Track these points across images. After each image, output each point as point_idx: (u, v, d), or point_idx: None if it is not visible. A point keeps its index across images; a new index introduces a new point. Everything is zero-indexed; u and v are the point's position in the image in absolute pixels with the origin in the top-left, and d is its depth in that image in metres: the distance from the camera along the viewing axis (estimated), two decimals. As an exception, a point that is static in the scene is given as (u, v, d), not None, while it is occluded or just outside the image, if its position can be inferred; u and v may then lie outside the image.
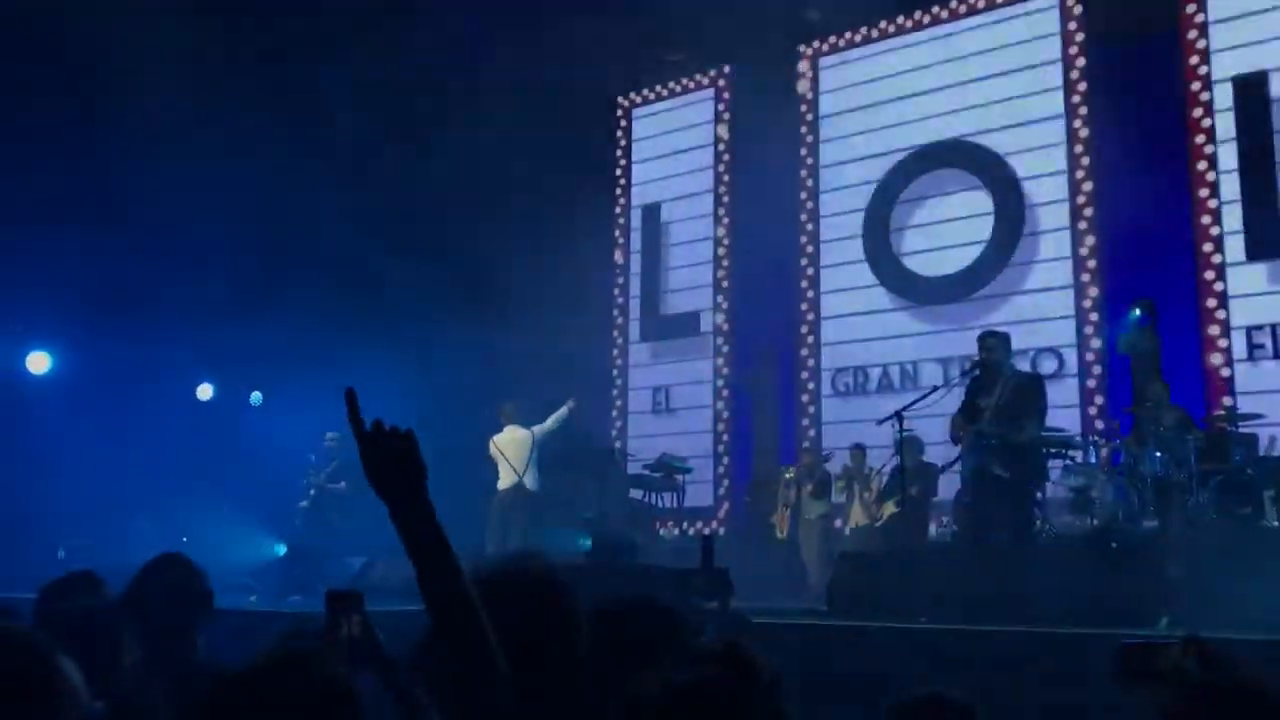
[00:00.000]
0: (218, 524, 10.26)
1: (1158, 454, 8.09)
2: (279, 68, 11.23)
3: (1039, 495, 7.99)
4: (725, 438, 12.82)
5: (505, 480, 10.26)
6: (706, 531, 11.05)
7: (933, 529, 9.86)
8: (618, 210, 14.25)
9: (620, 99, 14.42)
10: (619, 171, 14.39)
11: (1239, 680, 1.84)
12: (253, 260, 11.26)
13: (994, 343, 7.59)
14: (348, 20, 11.09)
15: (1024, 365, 10.69)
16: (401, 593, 7.22)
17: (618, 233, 14.19)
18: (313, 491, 10.31)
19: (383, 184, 11.76)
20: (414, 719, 2.31)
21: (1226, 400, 9.62)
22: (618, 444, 13.15)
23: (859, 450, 10.55)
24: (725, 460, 12.76)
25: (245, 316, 10.85)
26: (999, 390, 7.42)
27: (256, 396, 12.65)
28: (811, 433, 12.16)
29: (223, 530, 10.06)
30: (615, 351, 13.90)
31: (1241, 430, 8.64)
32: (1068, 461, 8.93)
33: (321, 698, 1.38)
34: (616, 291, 14.02)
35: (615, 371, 13.85)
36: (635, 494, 11.65)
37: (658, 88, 14.17)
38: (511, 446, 10.30)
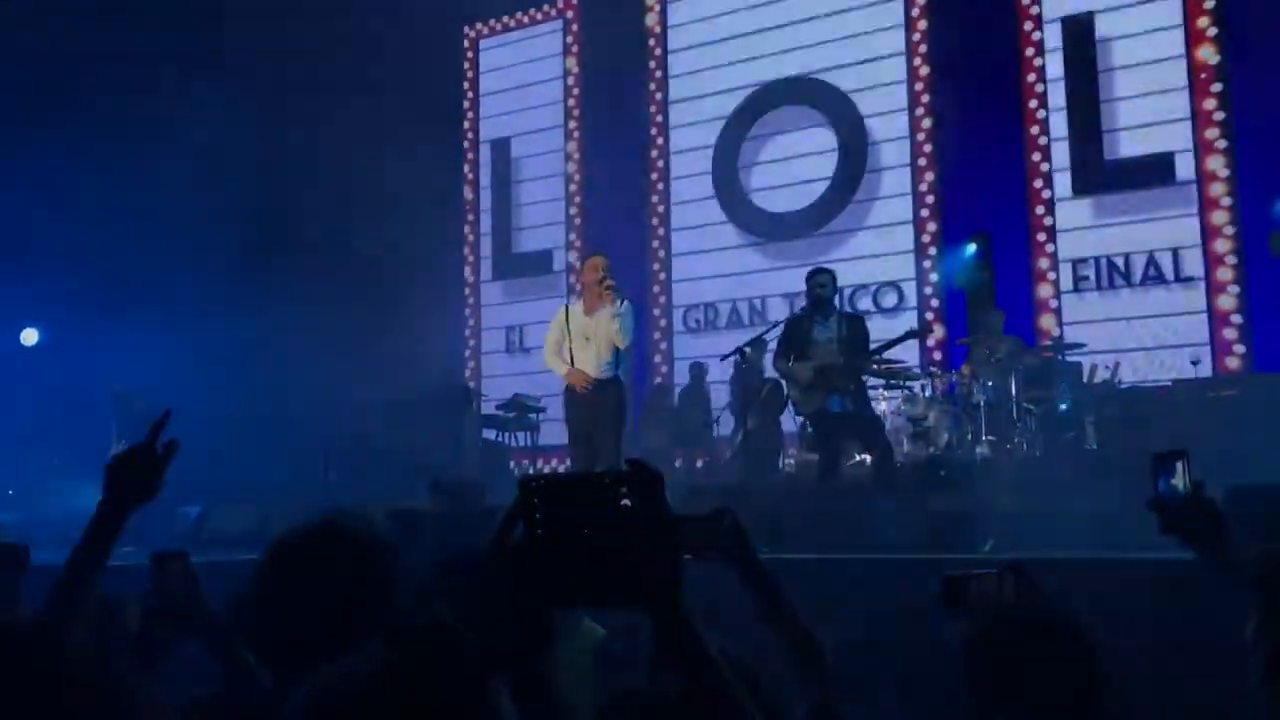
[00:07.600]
0: (43, 474, 9.76)
1: (989, 384, 8.46)
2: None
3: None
4: (579, 375, 12.79)
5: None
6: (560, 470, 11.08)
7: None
8: (466, 145, 13.92)
9: (466, 29, 14.02)
10: (466, 104, 14.03)
11: (1034, 614, 1.94)
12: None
13: (826, 279, 7.68)
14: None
15: (865, 300, 11.04)
16: (239, 541, 7.02)
17: (467, 168, 13.88)
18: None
19: (220, 122, 11.12)
20: (239, 684, 2.22)
21: (1054, 330, 10.10)
22: (471, 384, 13.00)
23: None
24: (579, 398, 12.74)
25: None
26: (835, 325, 7.55)
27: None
28: (664, 369, 12.26)
29: (49, 481, 9.59)
30: (467, 290, 13.68)
31: (1067, 359, 9.09)
32: (906, 392, 9.26)
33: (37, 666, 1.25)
34: (467, 229, 13.75)
35: (467, 311, 13.64)
36: (489, 434, 11.57)
37: (505, 18, 13.81)
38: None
